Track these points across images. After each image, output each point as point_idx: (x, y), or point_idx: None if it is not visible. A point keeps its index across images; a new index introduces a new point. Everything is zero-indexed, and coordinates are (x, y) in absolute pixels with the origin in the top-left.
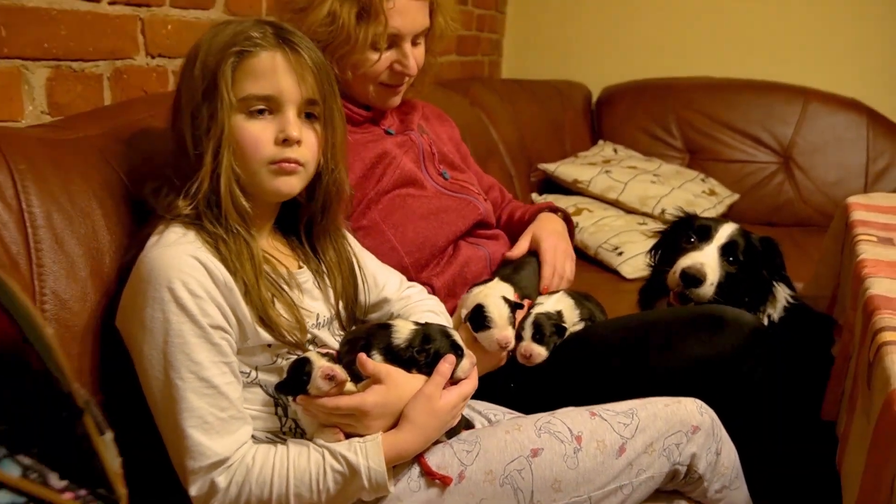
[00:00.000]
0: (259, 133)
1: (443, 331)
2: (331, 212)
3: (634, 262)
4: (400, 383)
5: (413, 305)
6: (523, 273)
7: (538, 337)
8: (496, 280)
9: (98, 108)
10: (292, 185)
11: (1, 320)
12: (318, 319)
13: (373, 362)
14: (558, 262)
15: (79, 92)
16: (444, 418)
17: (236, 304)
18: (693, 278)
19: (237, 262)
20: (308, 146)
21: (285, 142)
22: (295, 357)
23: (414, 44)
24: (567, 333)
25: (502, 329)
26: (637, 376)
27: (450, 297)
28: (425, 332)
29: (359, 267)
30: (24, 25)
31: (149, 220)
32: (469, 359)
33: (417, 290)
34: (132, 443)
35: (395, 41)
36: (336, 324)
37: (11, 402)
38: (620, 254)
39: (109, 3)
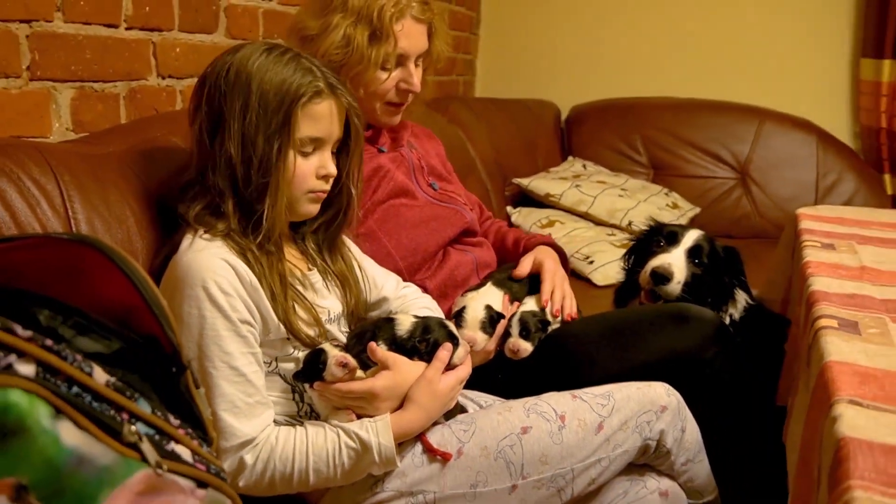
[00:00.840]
0: (307, 168)
1: (440, 322)
2: (342, 229)
3: (604, 270)
4: (404, 369)
5: (409, 303)
6: (516, 280)
7: (524, 333)
8: (489, 285)
9: (119, 125)
10: (318, 208)
11: (127, 291)
12: (329, 315)
13: (381, 350)
14: (557, 281)
15: (99, 111)
16: (443, 399)
17: (260, 301)
18: (661, 276)
19: (264, 269)
20: (333, 178)
21: (324, 177)
22: (310, 349)
23: (415, 65)
24: (550, 329)
25: (470, 330)
26: (612, 366)
27: (441, 297)
28: (425, 324)
29: (361, 271)
30: (54, 50)
31: (179, 228)
32: (464, 347)
33: (413, 290)
34: None
35: (401, 61)
36: (342, 321)
37: (137, 356)
38: (591, 262)
39: (126, 28)
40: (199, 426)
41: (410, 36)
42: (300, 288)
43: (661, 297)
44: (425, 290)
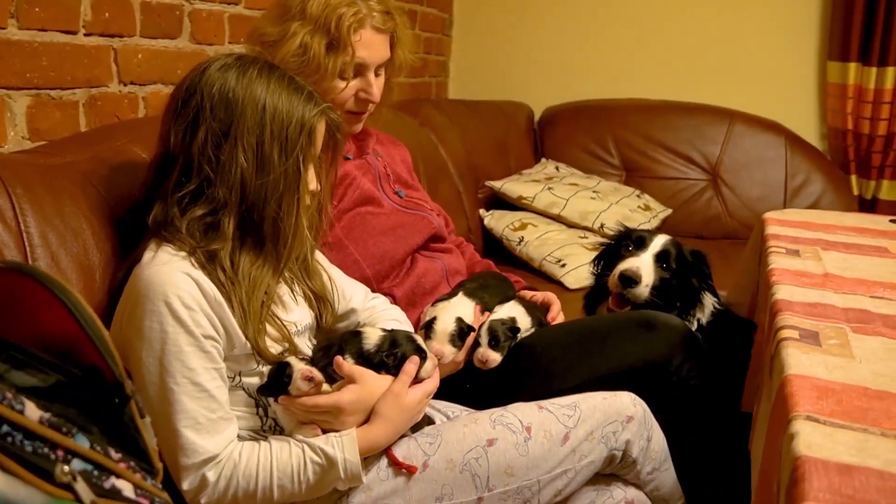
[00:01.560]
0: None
1: (408, 336)
2: (316, 244)
3: (576, 273)
4: (371, 383)
5: (378, 315)
6: (487, 290)
7: (493, 343)
8: (460, 295)
9: (79, 133)
10: None
11: (67, 322)
12: (297, 328)
13: (348, 364)
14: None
15: (57, 119)
16: (410, 413)
17: (225, 316)
18: (629, 279)
19: (241, 289)
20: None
21: (311, 191)
22: (276, 362)
23: (376, 74)
24: (520, 336)
25: (439, 343)
26: (579, 374)
27: (410, 305)
28: (392, 338)
29: (331, 281)
30: (8, 57)
31: (141, 241)
32: (431, 360)
33: (381, 301)
34: None
35: (360, 71)
36: (309, 333)
37: (76, 388)
38: (563, 265)
39: (86, 35)
40: (144, 458)
41: (370, 46)
42: (268, 304)
43: (629, 301)
44: (393, 298)
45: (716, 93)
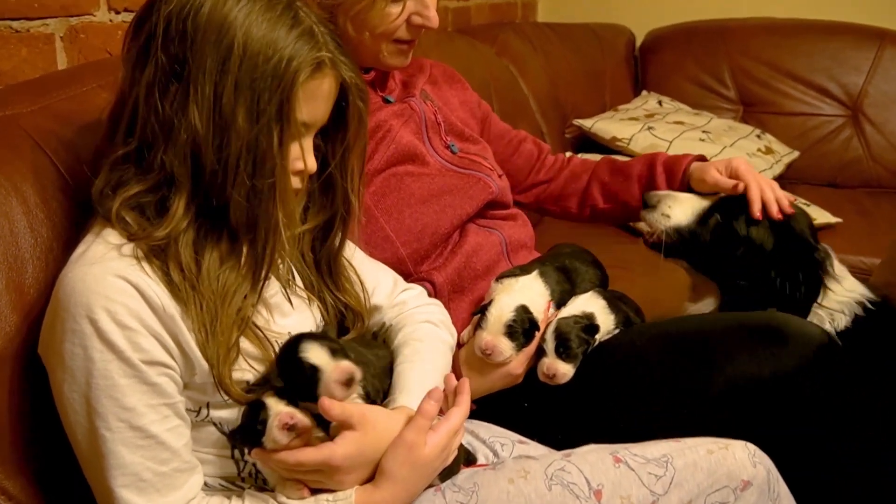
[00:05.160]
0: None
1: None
2: (341, 244)
3: None
4: (377, 426)
5: (408, 314)
6: (563, 274)
7: (562, 351)
8: (534, 275)
9: (39, 77)
10: None
11: None
12: None
13: (340, 405)
14: (760, 178)
15: (24, 56)
16: (431, 466)
17: (179, 332)
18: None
19: (201, 295)
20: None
21: (299, 172)
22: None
23: None
24: (598, 338)
25: (492, 334)
26: (676, 399)
27: (455, 292)
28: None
29: (359, 280)
30: None
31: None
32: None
33: (415, 295)
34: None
35: None
36: None
37: None
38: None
39: None
40: None
41: None
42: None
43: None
44: (432, 286)
45: (861, 8)
